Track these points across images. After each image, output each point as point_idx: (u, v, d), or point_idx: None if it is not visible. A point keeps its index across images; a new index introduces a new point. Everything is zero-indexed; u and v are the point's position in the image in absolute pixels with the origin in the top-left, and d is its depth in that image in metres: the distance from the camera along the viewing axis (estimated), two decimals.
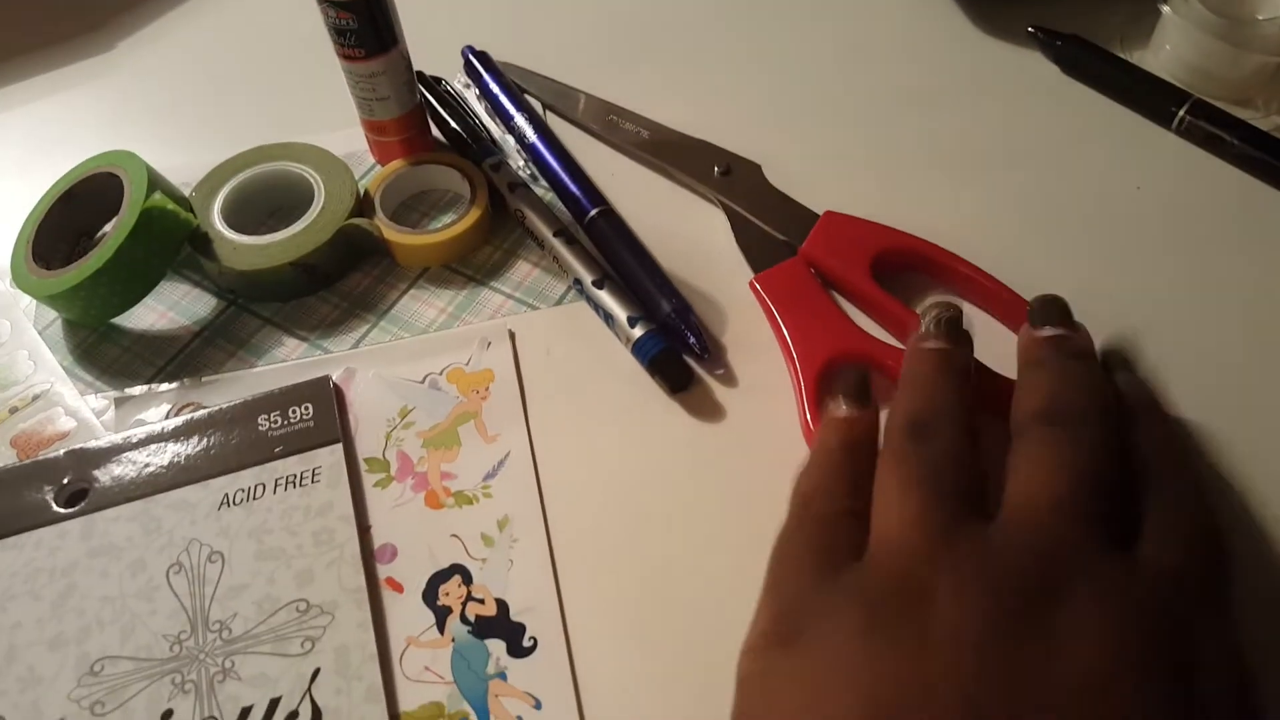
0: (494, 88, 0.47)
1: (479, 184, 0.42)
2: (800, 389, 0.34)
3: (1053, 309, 0.33)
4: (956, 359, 0.32)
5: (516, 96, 0.47)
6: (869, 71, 0.48)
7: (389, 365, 0.37)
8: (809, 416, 0.34)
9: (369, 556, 0.33)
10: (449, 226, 0.40)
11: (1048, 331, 0.32)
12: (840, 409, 0.32)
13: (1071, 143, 0.44)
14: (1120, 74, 0.45)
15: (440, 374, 0.37)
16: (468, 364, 0.37)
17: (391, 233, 0.40)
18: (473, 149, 0.43)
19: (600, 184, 0.43)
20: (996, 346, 0.34)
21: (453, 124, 0.45)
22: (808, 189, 0.41)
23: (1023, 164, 0.43)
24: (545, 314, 0.39)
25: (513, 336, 0.38)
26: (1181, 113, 0.42)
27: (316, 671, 0.30)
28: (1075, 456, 0.28)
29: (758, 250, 0.40)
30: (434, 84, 0.47)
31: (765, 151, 0.43)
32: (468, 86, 0.49)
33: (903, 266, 0.38)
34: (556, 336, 0.38)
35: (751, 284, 0.38)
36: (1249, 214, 0.41)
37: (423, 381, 0.37)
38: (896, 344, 0.36)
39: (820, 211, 0.40)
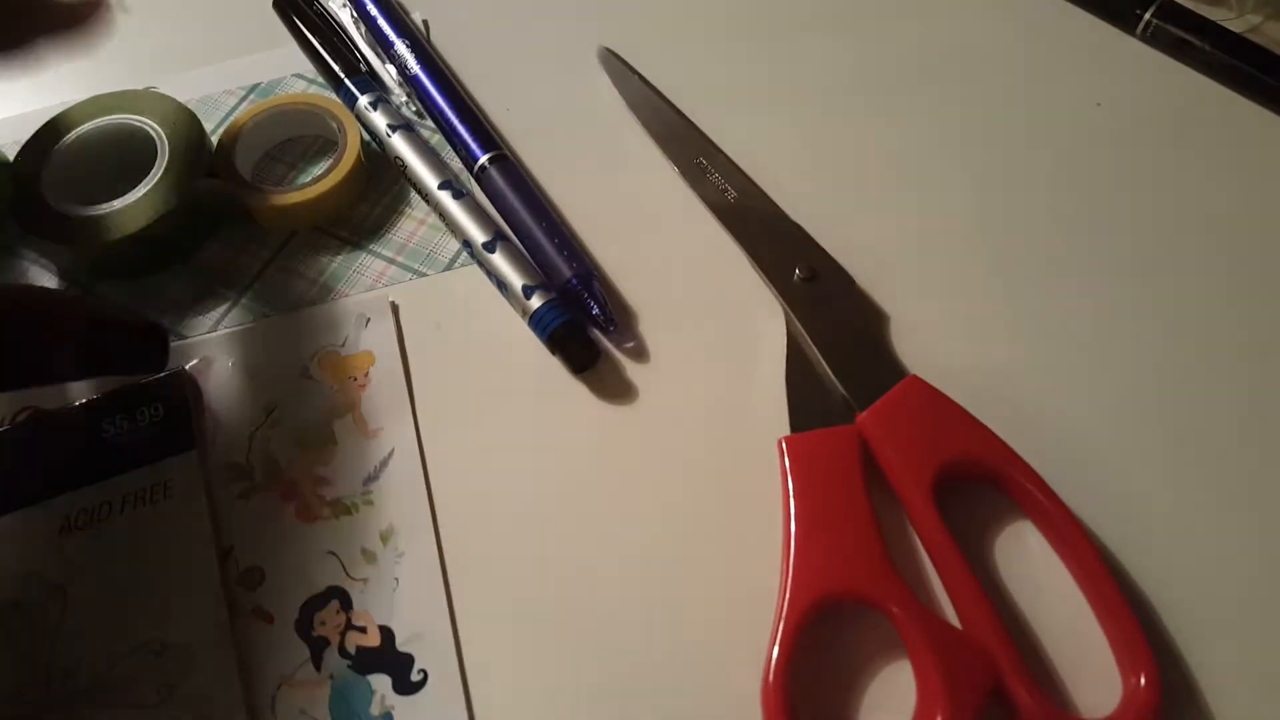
0: (371, 8, 0.41)
1: (351, 128, 0.36)
2: (779, 623, 0.26)
3: None
4: None
5: (397, 19, 0.40)
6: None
7: (252, 352, 0.33)
8: (773, 671, 0.26)
9: (232, 583, 0.28)
10: (317, 181, 0.35)
11: None
12: None
13: (1026, 55, 0.39)
14: None
15: (311, 360, 0.32)
16: (343, 346, 0.33)
17: (249, 192, 0.35)
18: (346, 85, 0.38)
19: (497, 122, 0.38)
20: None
21: (323, 54, 0.39)
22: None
23: (973, 78, 0.38)
24: (434, 281, 0.34)
25: (396, 311, 0.33)
26: (1148, 15, 0.37)
27: None
28: None
29: (808, 395, 0.30)
30: (303, 5, 0.41)
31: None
32: (344, 7, 0.42)
33: (975, 475, 0.29)
34: (447, 308, 0.34)
35: (780, 443, 0.29)
36: (1222, 127, 0.36)
37: (291, 370, 0.32)
38: (930, 577, 0.28)
39: (907, 367, 0.31)
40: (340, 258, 0.35)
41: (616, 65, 0.39)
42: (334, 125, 0.36)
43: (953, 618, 0.27)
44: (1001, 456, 0.29)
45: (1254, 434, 0.30)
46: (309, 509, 0.30)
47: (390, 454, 0.31)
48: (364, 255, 0.35)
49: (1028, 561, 0.28)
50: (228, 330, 0.33)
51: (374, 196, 0.36)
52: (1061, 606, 0.27)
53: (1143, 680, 0.26)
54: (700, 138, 0.36)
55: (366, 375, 0.32)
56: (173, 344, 0.33)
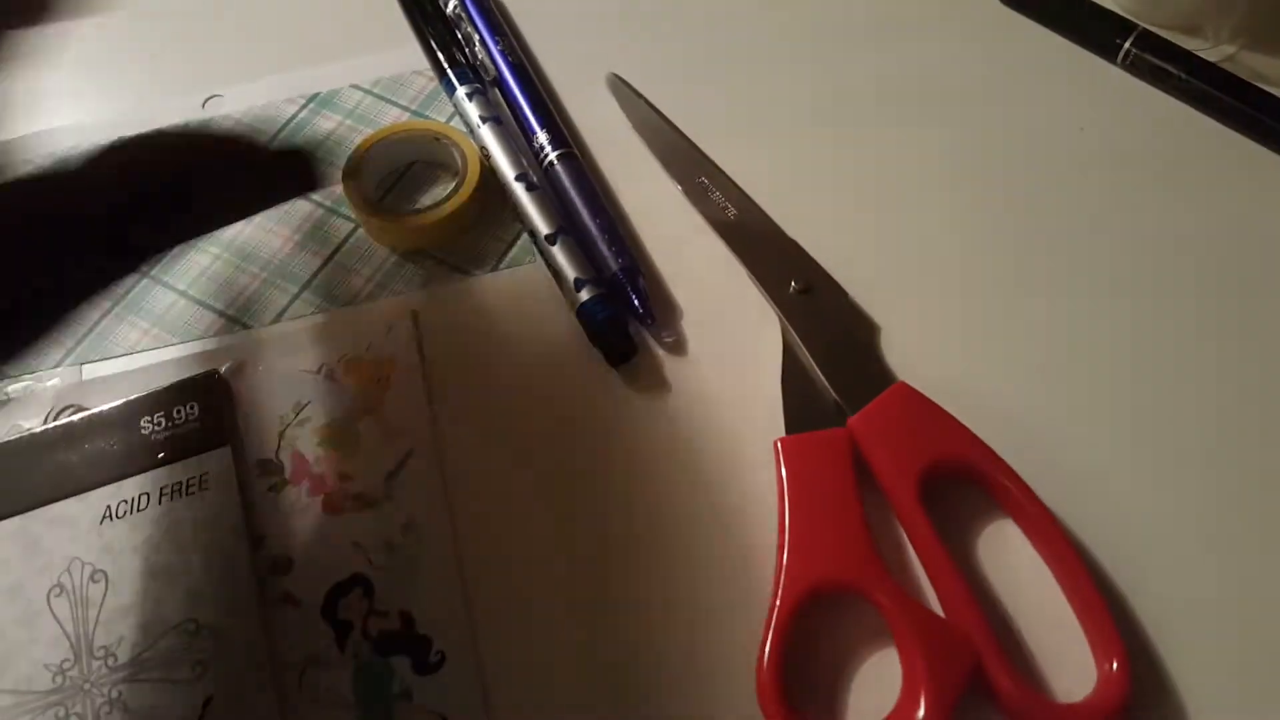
0: (469, 3, 0.43)
1: (473, 161, 0.38)
2: (773, 612, 0.28)
3: None
4: None
5: (490, 15, 0.43)
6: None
7: (281, 356, 0.35)
8: (767, 656, 0.28)
9: (262, 570, 0.30)
10: (433, 207, 0.37)
11: None
12: None
13: (1011, 81, 0.41)
14: (1062, 3, 0.42)
15: (337, 363, 0.34)
16: (367, 351, 0.35)
17: (368, 212, 0.37)
18: (448, 74, 0.40)
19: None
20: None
21: (432, 43, 0.41)
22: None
23: (959, 104, 0.40)
24: (474, 283, 0.36)
25: (415, 319, 0.35)
26: (1127, 45, 0.40)
27: (209, 699, 0.28)
28: None
29: (802, 399, 0.32)
30: None
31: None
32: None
33: (958, 475, 0.31)
34: (481, 310, 0.36)
35: (776, 444, 0.31)
36: (1199, 152, 0.38)
37: (318, 372, 0.34)
38: (916, 570, 0.30)
39: (895, 374, 0.33)
40: (394, 259, 0.37)
41: (624, 90, 0.41)
42: (456, 156, 0.38)
43: (937, 607, 0.29)
44: (983, 457, 0.30)
45: (1225, 437, 0.32)
46: (335, 502, 0.32)
47: (410, 452, 0.33)
48: (418, 254, 0.37)
49: (1008, 555, 0.30)
50: (261, 331, 0.35)
51: (481, 227, 0.38)
52: (1039, 597, 0.29)
53: (1114, 666, 0.27)
54: (702, 159, 0.39)
55: (389, 378, 0.34)
56: (209, 347, 0.35)
